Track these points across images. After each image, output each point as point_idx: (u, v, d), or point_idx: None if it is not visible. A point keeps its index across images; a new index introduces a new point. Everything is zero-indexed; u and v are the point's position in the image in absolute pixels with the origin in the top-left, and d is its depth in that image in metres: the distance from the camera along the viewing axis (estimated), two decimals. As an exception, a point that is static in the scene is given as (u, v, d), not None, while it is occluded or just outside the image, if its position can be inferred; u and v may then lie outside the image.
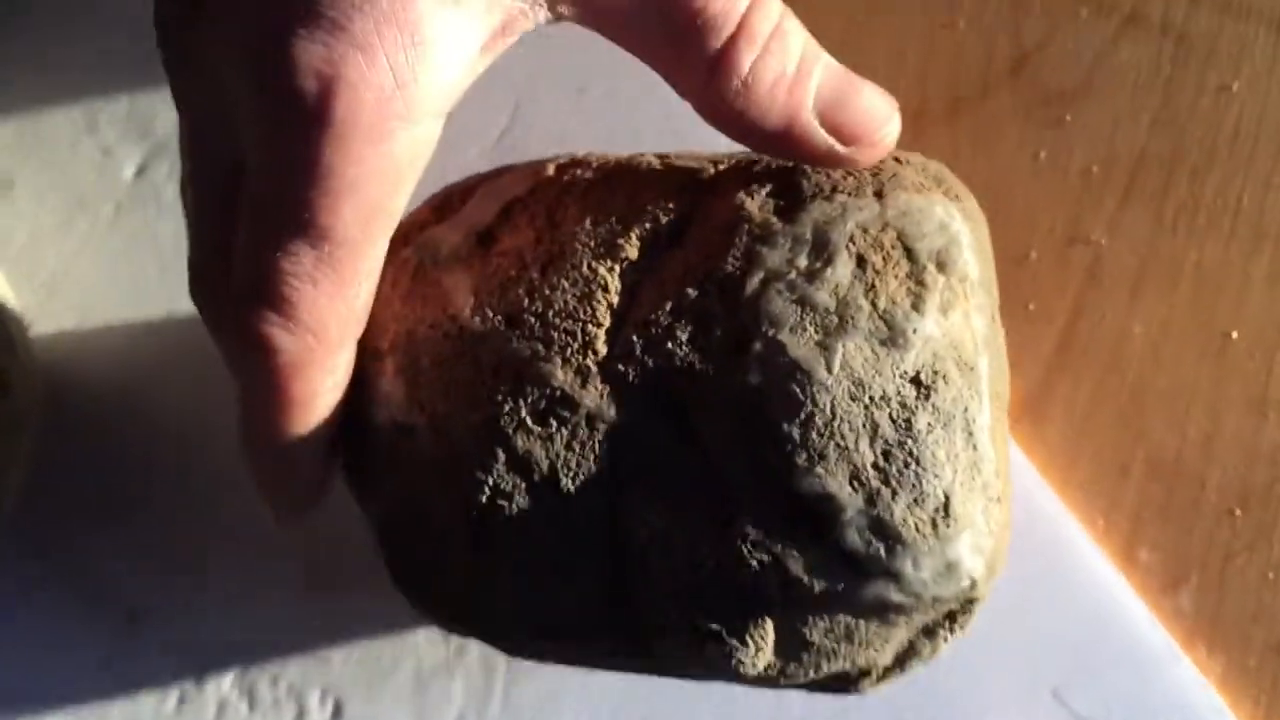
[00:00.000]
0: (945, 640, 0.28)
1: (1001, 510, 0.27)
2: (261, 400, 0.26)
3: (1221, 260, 0.38)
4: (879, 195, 0.27)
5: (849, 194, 0.27)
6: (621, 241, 0.27)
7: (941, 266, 0.26)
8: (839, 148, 0.26)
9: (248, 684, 0.38)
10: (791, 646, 0.27)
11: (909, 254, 0.26)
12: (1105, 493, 0.38)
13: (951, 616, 0.28)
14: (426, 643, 0.38)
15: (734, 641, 0.27)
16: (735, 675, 0.27)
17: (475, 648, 0.38)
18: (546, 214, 0.28)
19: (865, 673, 0.28)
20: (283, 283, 0.25)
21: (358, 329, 0.27)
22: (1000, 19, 0.39)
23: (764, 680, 0.28)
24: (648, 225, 0.27)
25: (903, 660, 0.28)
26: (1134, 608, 0.36)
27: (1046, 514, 0.37)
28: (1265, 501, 0.37)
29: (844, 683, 0.29)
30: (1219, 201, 0.38)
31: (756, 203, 0.27)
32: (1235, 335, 0.37)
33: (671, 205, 0.27)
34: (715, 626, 0.27)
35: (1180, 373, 0.38)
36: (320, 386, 0.26)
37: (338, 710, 0.38)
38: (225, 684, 0.38)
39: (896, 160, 0.28)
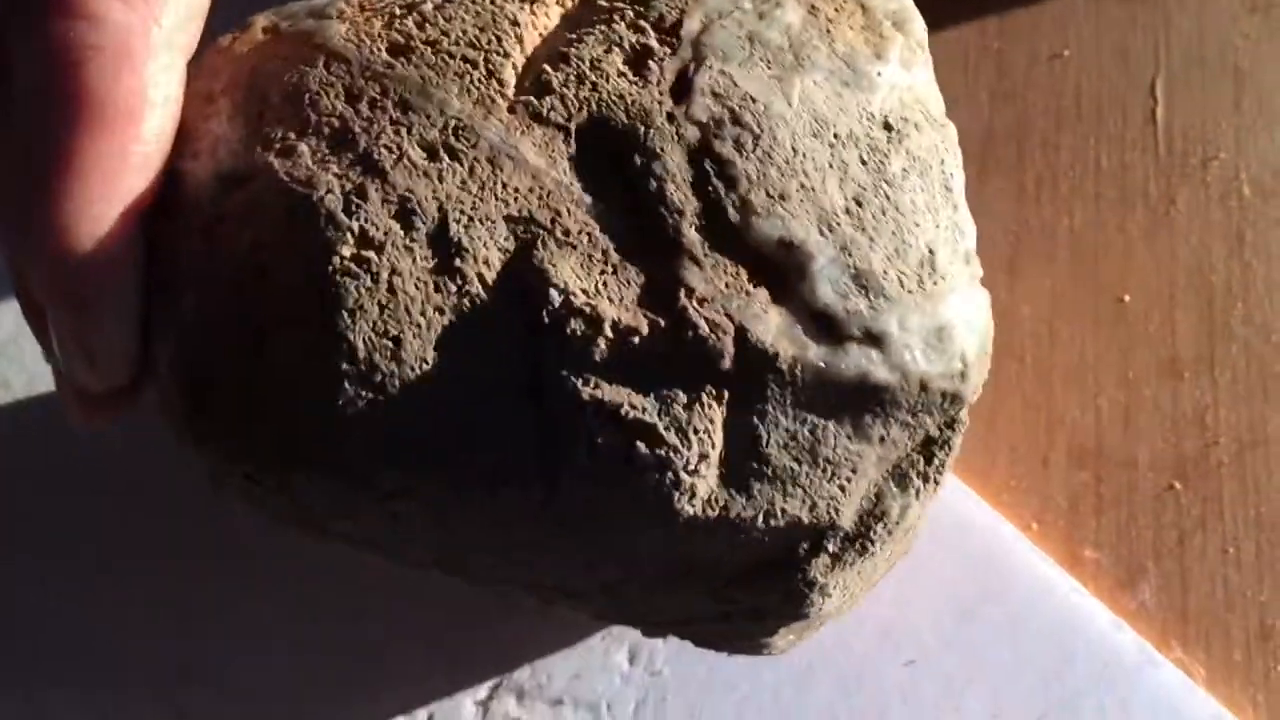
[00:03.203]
0: (917, 495, 0.22)
1: (985, 300, 0.23)
2: (54, 141, 0.20)
3: (1094, 223, 0.35)
4: None
5: None
6: None
7: (898, 26, 0.24)
8: None
9: None
10: (742, 464, 0.21)
11: (863, 9, 0.24)
12: (1032, 489, 0.33)
13: (926, 450, 0.22)
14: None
15: (672, 438, 0.20)
16: (666, 509, 0.21)
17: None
18: None
19: (820, 540, 0.22)
20: None
21: (184, 37, 0.21)
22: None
23: (701, 528, 0.21)
24: None
25: (866, 528, 0.22)
26: (1095, 614, 0.31)
27: (978, 525, 0.32)
28: (1203, 470, 0.32)
29: (792, 563, 0.22)
30: (1077, 166, 0.35)
31: None
32: (1128, 299, 0.34)
33: None
34: (647, 414, 0.20)
35: (1079, 347, 0.34)
36: (144, 104, 0.20)
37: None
38: None
39: None
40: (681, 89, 0.21)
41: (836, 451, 0.21)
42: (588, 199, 0.21)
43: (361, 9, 0.22)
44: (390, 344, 0.20)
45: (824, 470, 0.21)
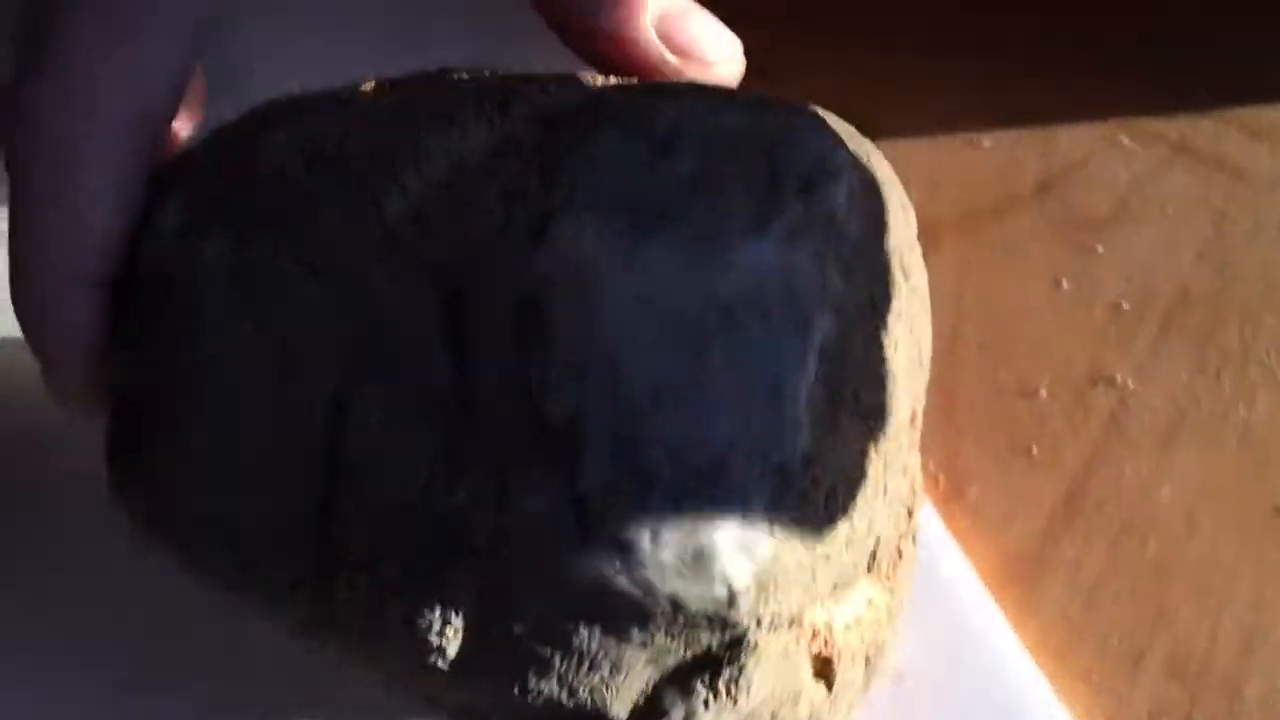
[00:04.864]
0: (707, 705, 0.20)
1: (812, 529, 0.20)
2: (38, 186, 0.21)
3: (1273, 420, 0.31)
4: (758, 107, 0.21)
5: (724, 101, 0.22)
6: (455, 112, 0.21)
7: (806, 189, 0.21)
8: (669, 57, 0.24)
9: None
10: (492, 630, 0.20)
11: (769, 166, 0.21)
12: (1112, 688, 0.29)
13: (710, 662, 0.20)
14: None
15: (423, 591, 0.19)
16: (420, 660, 0.20)
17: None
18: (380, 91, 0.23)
19: None
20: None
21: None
22: (1030, 139, 0.35)
23: (455, 683, 0.20)
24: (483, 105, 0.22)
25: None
26: None
27: (1037, 707, 0.28)
28: (1322, 730, 0.28)
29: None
30: (1274, 354, 0.31)
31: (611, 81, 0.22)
32: (1288, 513, 0.30)
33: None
34: (403, 568, 0.19)
35: (1217, 549, 0.30)
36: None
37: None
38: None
39: None
40: (538, 235, 0.20)
41: (594, 650, 0.20)
42: (417, 337, 0.20)
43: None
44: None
45: (578, 660, 0.20)
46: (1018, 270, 0.33)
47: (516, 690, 0.20)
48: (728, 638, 0.20)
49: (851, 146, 0.22)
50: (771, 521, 0.19)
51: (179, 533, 0.21)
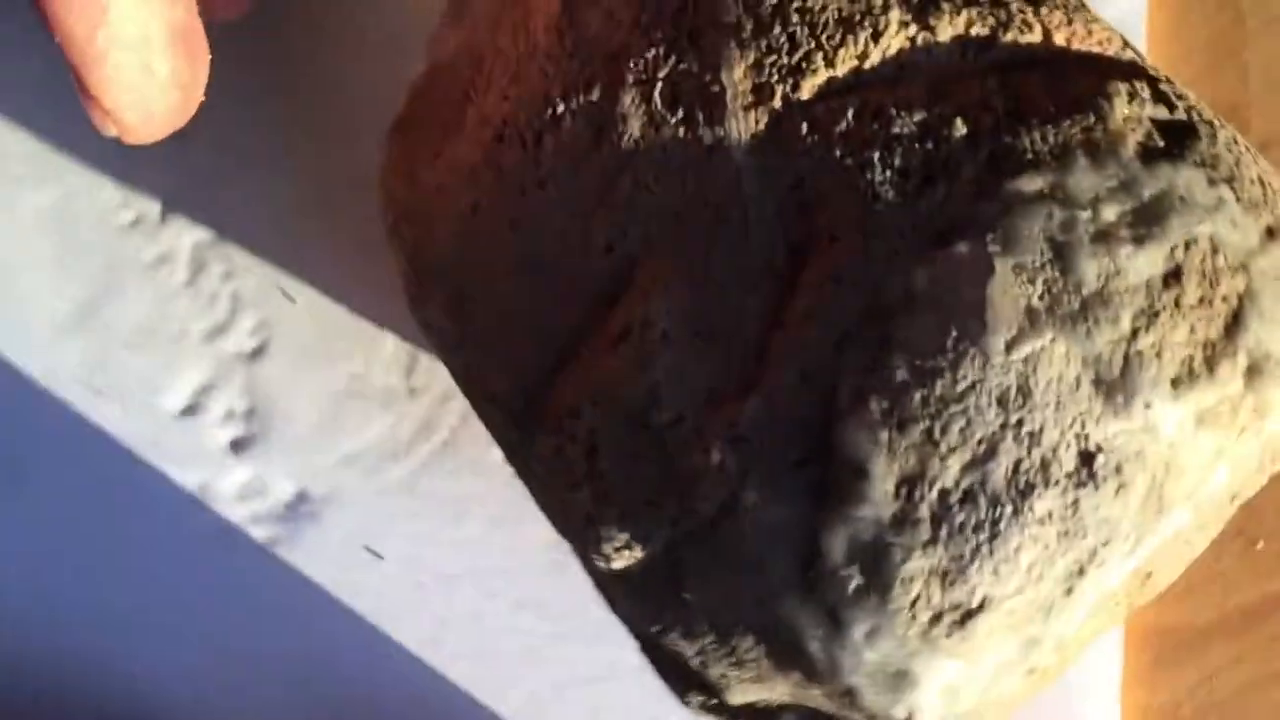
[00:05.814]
0: None
1: (1021, 686, 0.20)
2: None
3: None
4: (1270, 235, 0.19)
5: (1239, 199, 0.19)
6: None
7: (1251, 375, 0.19)
8: None
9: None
10: (662, 579, 0.20)
11: (1234, 323, 0.19)
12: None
13: None
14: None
15: (620, 508, 0.20)
16: (583, 550, 0.21)
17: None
18: None
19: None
20: None
21: None
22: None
23: (619, 588, 0.21)
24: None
25: None
26: None
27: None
28: None
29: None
30: None
31: (1131, 106, 0.20)
32: None
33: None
34: (613, 472, 0.20)
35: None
36: None
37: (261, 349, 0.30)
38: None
39: None
40: (936, 237, 0.19)
41: (747, 654, 0.20)
42: (745, 242, 0.20)
43: None
44: None
45: (725, 653, 0.20)
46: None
47: (653, 628, 0.21)
48: None
49: None
50: (993, 681, 0.19)
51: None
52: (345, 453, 0.31)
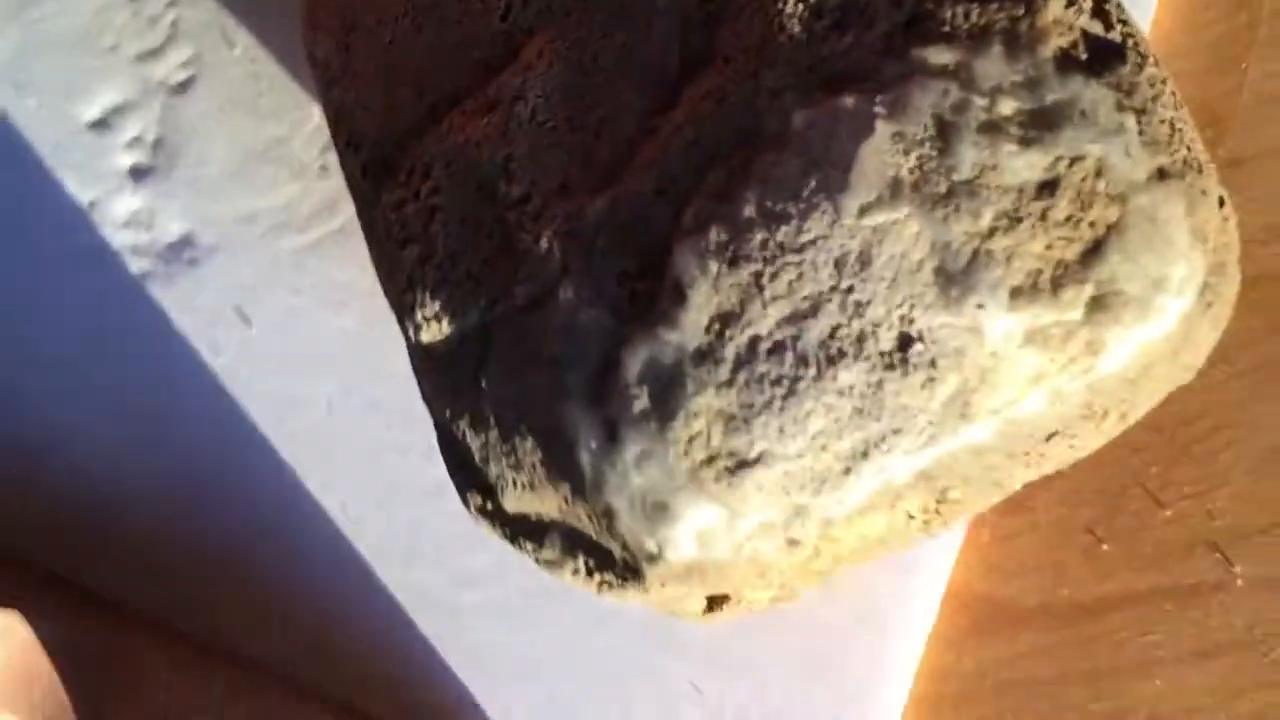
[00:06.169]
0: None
1: (778, 556, 0.19)
2: None
3: None
4: (1161, 175, 0.19)
5: (1142, 132, 0.19)
6: None
7: (1094, 307, 0.18)
8: None
9: None
10: (470, 352, 0.20)
11: (1094, 251, 0.18)
12: None
13: (619, 564, 0.20)
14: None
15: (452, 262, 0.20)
16: (409, 314, 0.21)
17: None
18: None
19: None
20: None
21: None
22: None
23: (427, 366, 0.21)
24: None
25: None
26: None
27: None
28: None
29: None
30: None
31: (1067, 11, 0.19)
32: None
33: None
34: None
35: None
36: None
37: (188, 84, 0.29)
38: None
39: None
40: (831, 78, 0.19)
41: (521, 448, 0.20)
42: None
43: None
44: None
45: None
46: None
47: (447, 411, 0.21)
48: (630, 556, 0.20)
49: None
50: (747, 529, 0.19)
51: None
52: (242, 210, 0.30)
